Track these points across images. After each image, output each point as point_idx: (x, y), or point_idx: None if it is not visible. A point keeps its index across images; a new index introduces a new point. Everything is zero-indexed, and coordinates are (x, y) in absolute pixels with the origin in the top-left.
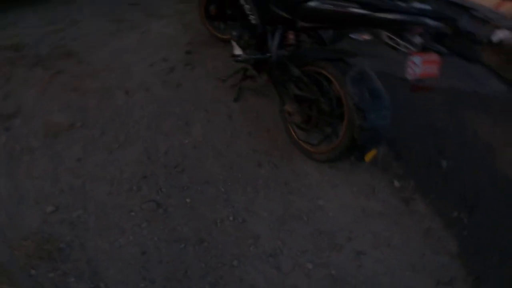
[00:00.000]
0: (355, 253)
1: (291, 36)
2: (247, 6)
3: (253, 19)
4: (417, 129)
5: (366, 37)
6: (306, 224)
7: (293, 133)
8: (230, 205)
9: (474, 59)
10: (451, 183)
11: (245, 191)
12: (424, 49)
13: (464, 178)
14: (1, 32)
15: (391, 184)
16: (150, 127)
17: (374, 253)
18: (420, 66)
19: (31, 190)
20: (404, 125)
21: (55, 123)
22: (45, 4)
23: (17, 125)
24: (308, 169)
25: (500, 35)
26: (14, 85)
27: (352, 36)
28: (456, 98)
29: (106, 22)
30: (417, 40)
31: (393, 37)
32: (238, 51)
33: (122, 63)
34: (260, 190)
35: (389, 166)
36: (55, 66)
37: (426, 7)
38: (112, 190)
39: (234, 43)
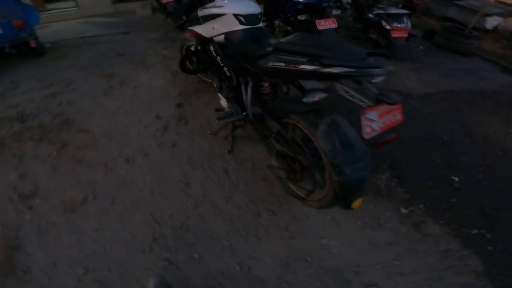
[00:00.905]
0: (364, 286)
1: (266, 86)
2: (218, 58)
3: (226, 71)
4: (422, 143)
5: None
6: (310, 264)
7: (286, 183)
8: (235, 256)
9: (469, 51)
10: (466, 199)
11: (248, 241)
12: (378, 101)
13: (480, 191)
14: (4, 99)
15: (398, 211)
16: (153, 192)
17: (387, 284)
18: (378, 120)
19: (62, 257)
20: (406, 141)
21: (70, 199)
22: (38, 61)
23: (38, 204)
24: (309, 211)
25: (493, 22)
26: (27, 164)
27: (311, 86)
28: (461, 101)
29: (97, 79)
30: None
31: (348, 90)
32: (223, 101)
33: (119, 127)
34: (262, 238)
35: (393, 192)
36: (59, 139)
37: (371, 60)
38: (129, 253)
39: (219, 94)
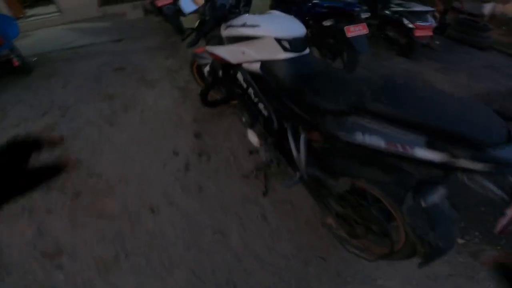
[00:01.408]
0: None
1: (315, 137)
2: (251, 91)
3: (262, 109)
4: None
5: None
6: None
7: (347, 242)
8: None
9: (484, 45)
10: None
11: None
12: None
13: None
14: None
15: None
16: (189, 247)
17: None
18: None
19: None
20: None
21: (101, 257)
22: (25, 81)
23: (67, 263)
24: None
25: (487, 7)
26: (40, 218)
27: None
28: (494, 103)
29: (96, 103)
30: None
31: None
32: (253, 137)
33: (134, 168)
34: None
35: None
36: (69, 186)
37: None
38: None
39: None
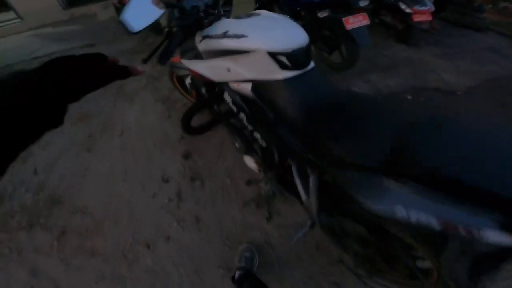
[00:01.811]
0: None
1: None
2: (243, 117)
3: (259, 139)
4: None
5: None
6: None
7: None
8: None
9: (483, 26)
10: None
11: None
12: None
13: None
14: None
15: None
16: (194, 285)
17: None
18: None
19: None
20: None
21: None
22: None
23: None
24: None
25: None
26: (31, 258)
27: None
28: (504, 92)
29: (70, 125)
30: None
31: None
32: (250, 161)
33: (121, 201)
34: None
35: None
36: (53, 224)
37: None
38: None
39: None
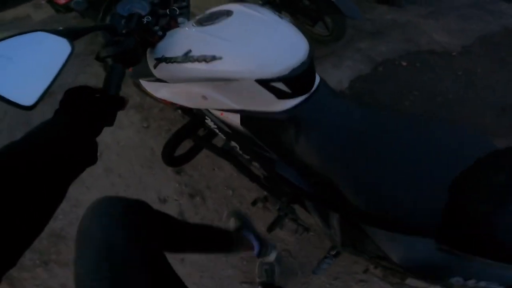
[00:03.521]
0: None
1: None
2: (236, 147)
3: (258, 168)
4: None
5: None
6: None
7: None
8: None
9: None
10: None
11: None
12: None
13: None
14: None
15: None
16: None
17: None
18: None
19: None
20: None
21: None
22: None
23: None
24: None
25: None
26: None
27: None
28: (499, 48)
29: None
30: None
31: None
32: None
33: None
34: None
35: None
36: (66, 259)
37: None
38: None
39: None
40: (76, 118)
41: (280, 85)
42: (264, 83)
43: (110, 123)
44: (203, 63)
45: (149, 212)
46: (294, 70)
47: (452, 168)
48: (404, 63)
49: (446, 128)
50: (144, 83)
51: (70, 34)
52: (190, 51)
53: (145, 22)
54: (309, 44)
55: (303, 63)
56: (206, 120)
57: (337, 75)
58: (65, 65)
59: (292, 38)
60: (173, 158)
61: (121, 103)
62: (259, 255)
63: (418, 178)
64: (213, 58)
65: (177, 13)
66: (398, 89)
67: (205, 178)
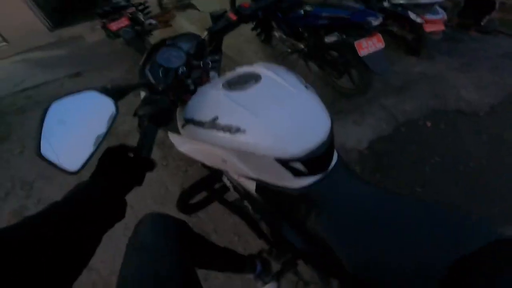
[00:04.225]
0: None
1: None
2: (247, 205)
3: (269, 232)
4: None
5: None
6: None
7: None
8: None
9: (489, 29)
10: None
11: None
12: None
13: None
14: None
15: None
16: None
17: None
18: None
19: None
20: None
21: None
22: None
23: None
24: None
25: None
26: None
27: None
28: None
29: (62, 178)
30: None
31: None
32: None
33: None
34: None
35: None
36: None
37: None
38: None
39: None
40: (111, 183)
41: (298, 165)
42: (282, 162)
43: (139, 184)
44: (228, 133)
45: (189, 230)
46: (313, 152)
47: (452, 254)
48: (428, 124)
49: (454, 214)
50: (171, 136)
51: (115, 94)
52: (217, 117)
53: (180, 72)
54: (331, 120)
55: (323, 144)
56: (223, 178)
57: (357, 132)
58: (110, 129)
59: (316, 115)
60: (186, 204)
61: (151, 165)
62: (258, 276)
63: (418, 262)
64: (238, 130)
65: (210, 66)
66: (420, 152)
67: (214, 221)
